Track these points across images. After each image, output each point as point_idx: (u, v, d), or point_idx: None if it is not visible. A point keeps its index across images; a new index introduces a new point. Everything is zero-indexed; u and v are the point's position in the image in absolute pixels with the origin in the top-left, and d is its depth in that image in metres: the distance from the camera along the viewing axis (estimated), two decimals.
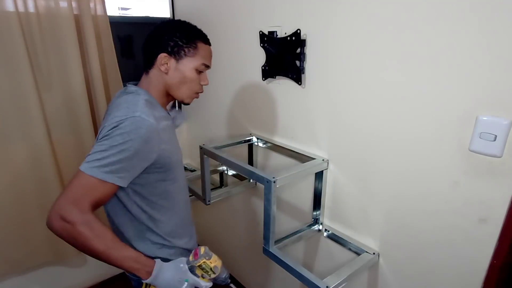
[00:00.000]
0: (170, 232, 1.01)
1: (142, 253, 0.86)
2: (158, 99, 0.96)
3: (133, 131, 0.79)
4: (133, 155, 0.80)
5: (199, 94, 1.01)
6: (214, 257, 0.91)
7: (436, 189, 0.93)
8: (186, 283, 0.86)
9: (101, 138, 0.80)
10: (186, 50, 0.94)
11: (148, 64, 0.96)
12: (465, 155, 0.85)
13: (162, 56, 0.92)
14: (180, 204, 1.05)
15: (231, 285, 0.95)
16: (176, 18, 1.87)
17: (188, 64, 0.94)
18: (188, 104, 1.02)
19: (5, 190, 1.49)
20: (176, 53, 0.93)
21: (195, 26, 0.99)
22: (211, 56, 1.01)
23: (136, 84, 0.99)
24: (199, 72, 0.97)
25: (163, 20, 1.01)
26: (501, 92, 0.77)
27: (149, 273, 0.83)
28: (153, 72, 0.95)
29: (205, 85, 1.01)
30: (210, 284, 0.92)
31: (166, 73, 0.94)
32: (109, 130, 0.80)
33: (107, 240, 0.79)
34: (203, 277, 0.90)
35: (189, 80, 0.95)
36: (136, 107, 0.84)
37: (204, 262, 0.88)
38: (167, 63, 0.93)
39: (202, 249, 0.90)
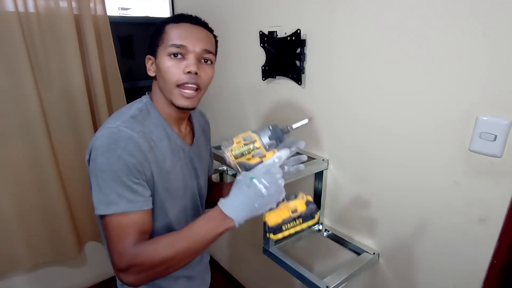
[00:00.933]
0: None
1: None
2: (164, 111, 0.82)
3: (111, 144, 0.70)
4: (129, 173, 0.71)
5: (189, 88, 0.77)
6: (237, 139, 0.72)
7: (436, 189, 0.93)
8: (254, 180, 0.67)
9: (89, 159, 0.73)
10: (157, 41, 0.79)
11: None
12: (465, 155, 0.85)
13: (146, 59, 0.82)
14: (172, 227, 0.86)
15: (294, 125, 0.74)
16: None
17: (161, 54, 0.78)
18: (183, 107, 0.79)
19: (5, 190, 1.49)
20: (152, 50, 0.80)
21: (177, 14, 0.86)
22: (188, 34, 0.79)
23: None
24: (177, 59, 0.77)
25: None
26: (501, 92, 0.77)
27: (228, 218, 0.67)
28: (153, 80, 0.84)
29: (189, 71, 0.76)
30: (281, 152, 0.71)
31: (155, 77, 0.82)
32: (92, 147, 0.72)
33: (175, 240, 0.69)
34: (253, 157, 0.70)
35: (164, 71, 0.76)
36: (120, 117, 0.76)
37: (231, 150, 0.69)
38: (151, 65, 0.81)
39: (222, 147, 0.72)
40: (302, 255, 1.45)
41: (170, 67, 0.76)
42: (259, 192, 0.66)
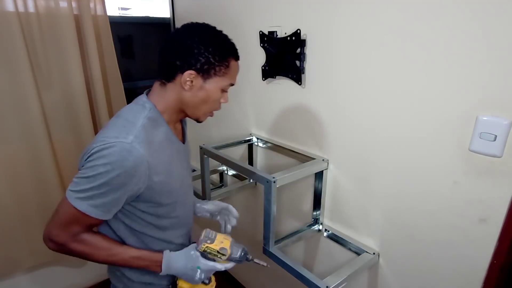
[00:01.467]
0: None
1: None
2: (168, 115, 0.86)
3: (118, 162, 0.72)
4: (116, 189, 0.75)
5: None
6: (219, 238, 0.86)
7: (436, 189, 0.93)
8: (199, 270, 0.86)
9: (86, 159, 0.75)
10: (217, 69, 0.81)
11: (167, 76, 0.83)
12: (465, 155, 0.85)
13: (189, 73, 0.79)
14: (177, 234, 0.96)
15: (255, 260, 0.92)
16: (176, 18, 1.87)
17: (216, 84, 0.83)
18: (201, 122, 0.91)
19: (5, 190, 1.49)
20: (205, 71, 0.81)
21: (226, 38, 0.87)
22: (238, 72, 0.90)
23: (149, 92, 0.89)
24: (224, 91, 0.87)
25: (188, 24, 0.85)
26: (501, 92, 0.77)
27: (160, 267, 0.85)
28: (172, 86, 0.83)
29: (225, 102, 0.89)
30: (230, 265, 0.89)
31: (188, 91, 0.82)
32: (96, 152, 0.73)
33: (104, 250, 0.82)
34: (215, 260, 0.86)
35: (211, 100, 0.85)
36: (132, 128, 0.77)
37: (206, 247, 0.84)
38: (192, 81, 0.81)
39: (202, 234, 0.86)
40: (302, 255, 1.45)
41: (219, 99, 0.86)
42: (193, 277, 0.87)
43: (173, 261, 0.86)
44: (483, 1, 0.75)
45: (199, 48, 0.79)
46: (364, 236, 1.17)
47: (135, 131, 0.76)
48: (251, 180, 1.62)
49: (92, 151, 0.74)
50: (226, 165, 1.51)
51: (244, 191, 1.70)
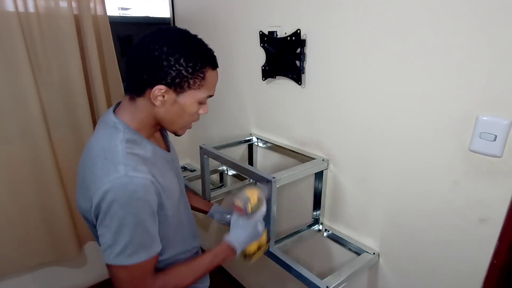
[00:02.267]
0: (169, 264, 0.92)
1: None
2: (145, 132, 0.80)
3: (129, 199, 0.67)
4: (146, 221, 0.71)
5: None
6: (247, 193, 0.94)
7: (436, 189, 0.93)
8: (259, 224, 0.95)
9: (103, 218, 0.69)
10: (191, 81, 0.74)
11: (136, 90, 0.75)
12: (465, 155, 0.85)
13: (158, 89, 0.72)
14: (176, 240, 0.92)
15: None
16: (176, 18, 1.87)
17: (191, 98, 0.76)
18: (180, 135, 0.85)
19: (5, 190, 1.49)
20: (177, 85, 0.73)
21: (200, 43, 0.77)
22: (217, 81, 0.82)
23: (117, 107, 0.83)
24: (201, 103, 0.80)
25: (156, 30, 0.74)
26: (501, 92, 0.77)
27: (233, 251, 0.90)
28: (142, 101, 0.75)
29: (204, 113, 0.83)
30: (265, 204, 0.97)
31: (160, 107, 0.75)
32: (102, 202, 0.68)
33: (186, 272, 0.83)
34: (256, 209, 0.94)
35: (188, 115, 0.78)
36: (116, 159, 0.70)
37: (251, 208, 0.92)
38: (163, 96, 0.73)
39: (235, 202, 0.93)
40: (302, 255, 1.45)
41: (196, 112, 0.80)
42: (259, 232, 0.95)
43: (238, 237, 0.91)
44: (483, 0, 0.75)
45: (169, 60, 0.70)
46: (364, 236, 1.17)
47: (120, 161, 0.69)
48: (251, 180, 1.62)
49: (98, 205, 0.68)
50: (226, 165, 1.51)
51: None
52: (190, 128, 0.85)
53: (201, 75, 0.75)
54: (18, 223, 1.55)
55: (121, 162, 0.69)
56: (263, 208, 0.96)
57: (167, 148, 0.91)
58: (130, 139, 0.75)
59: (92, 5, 1.53)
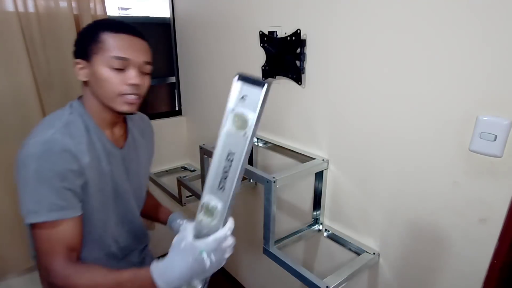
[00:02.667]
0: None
1: None
2: (98, 118, 0.84)
3: (44, 153, 0.71)
4: (57, 178, 0.72)
5: (134, 97, 0.81)
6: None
7: (436, 189, 0.93)
8: (204, 254, 0.62)
9: (18, 171, 0.74)
10: (92, 47, 0.78)
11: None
12: (465, 155, 0.85)
13: (75, 63, 0.81)
14: (95, 241, 0.88)
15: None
16: (176, 18, 1.87)
17: (98, 63, 0.78)
18: (125, 113, 0.82)
19: (5, 190, 1.49)
20: (84, 55, 0.80)
21: (108, 19, 0.87)
22: (129, 46, 0.79)
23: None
24: (118, 69, 0.78)
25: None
26: (501, 92, 0.77)
27: (154, 285, 0.65)
28: (83, 85, 0.84)
29: (132, 84, 0.79)
30: (230, 222, 0.64)
31: (88, 82, 0.81)
32: (19, 157, 0.73)
33: (95, 282, 0.72)
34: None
35: (105, 81, 0.78)
36: (53, 124, 0.77)
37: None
38: (83, 70, 0.80)
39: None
40: (302, 255, 1.45)
41: (112, 78, 0.78)
42: (204, 268, 0.63)
43: (168, 267, 0.64)
44: (484, 0, 0.75)
45: (77, 38, 0.82)
46: (364, 236, 1.17)
47: (56, 126, 0.76)
48: (251, 180, 1.62)
49: (16, 160, 0.73)
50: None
51: (244, 191, 1.70)
52: (128, 102, 0.81)
53: (98, 39, 0.78)
54: (18, 223, 1.55)
55: (55, 127, 0.76)
56: (222, 232, 0.62)
57: (122, 145, 0.92)
58: (77, 115, 0.82)
59: (92, 5, 1.53)
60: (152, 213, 1.12)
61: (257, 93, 0.55)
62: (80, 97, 0.87)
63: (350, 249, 1.21)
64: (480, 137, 0.81)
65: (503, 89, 0.76)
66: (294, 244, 1.27)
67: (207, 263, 0.63)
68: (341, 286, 1.01)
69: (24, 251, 1.60)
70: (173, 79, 2.01)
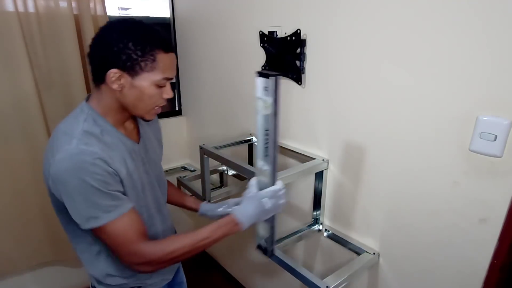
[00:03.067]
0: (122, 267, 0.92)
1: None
2: (111, 117, 0.83)
3: (79, 166, 0.72)
4: (102, 182, 0.74)
5: (160, 107, 0.87)
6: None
7: (436, 189, 0.93)
8: (265, 199, 0.87)
9: (54, 187, 0.75)
10: (142, 64, 0.76)
11: (96, 78, 0.80)
12: (465, 155, 0.85)
13: (112, 73, 0.76)
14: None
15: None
16: (176, 18, 1.87)
17: (146, 80, 0.78)
18: (149, 120, 0.87)
19: (5, 190, 1.49)
20: (130, 68, 0.76)
21: (152, 29, 0.79)
22: (174, 65, 0.83)
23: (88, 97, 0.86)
24: (161, 86, 0.81)
25: (110, 21, 0.80)
26: (501, 92, 0.77)
27: (237, 224, 0.86)
28: (105, 88, 0.80)
29: (168, 98, 0.85)
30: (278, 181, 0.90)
31: (120, 91, 0.79)
32: (53, 174, 0.73)
33: (187, 239, 0.82)
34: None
35: (148, 97, 0.80)
36: (73, 134, 0.75)
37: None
38: (120, 80, 0.77)
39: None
40: (302, 255, 1.45)
41: (156, 95, 0.81)
42: (265, 208, 0.87)
43: (244, 210, 0.87)
44: (484, 1, 0.75)
45: (118, 45, 0.75)
46: (364, 236, 1.17)
47: (77, 136, 0.75)
48: None
49: (51, 178, 0.74)
50: (226, 165, 1.51)
51: (244, 191, 1.69)
52: (158, 112, 0.87)
53: (151, 57, 0.77)
54: (18, 223, 1.55)
55: (75, 137, 0.75)
56: (277, 186, 0.89)
57: (138, 140, 0.92)
58: (93, 121, 0.80)
59: (92, 5, 1.53)
60: (178, 198, 1.16)
61: (271, 83, 0.76)
62: (88, 98, 0.85)
63: (350, 249, 1.21)
64: (480, 137, 0.81)
65: (503, 89, 0.76)
66: (294, 244, 1.27)
67: (267, 205, 0.87)
68: (341, 286, 1.01)
69: (25, 250, 1.60)
70: (173, 79, 2.01)
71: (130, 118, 0.90)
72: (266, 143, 0.86)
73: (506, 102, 0.76)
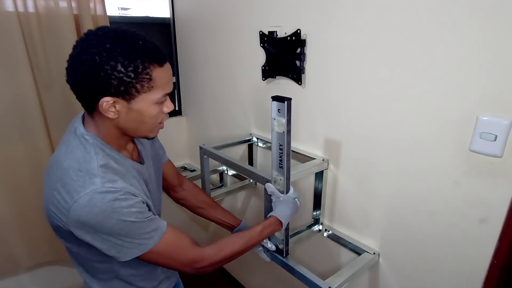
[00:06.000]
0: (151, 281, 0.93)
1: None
2: (113, 143, 0.77)
3: (112, 208, 0.67)
4: (139, 212, 0.72)
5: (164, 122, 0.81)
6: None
7: (436, 189, 0.93)
8: (296, 199, 1.03)
9: (93, 231, 0.69)
10: (138, 86, 0.68)
11: (88, 107, 0.72)
12: (465, 155, 0.85)
13: (105, 102, 0.67)
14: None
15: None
16: (176, 18, 1.87)
17: (145, 101, 0.70)
18: (152, 138, 0.82)
19: (5, 190, 1.49)
20: (124, 93, 0.67)
21: (137, 40, 0.68)
22: (171, 76, 0.75)
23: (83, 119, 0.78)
24: (159, 103, 0.74)
25: (87, 35, 0.68)
26: (501, 92, 0.77)
27: (280, 224, 0.99)
28: (99, 116, 0.72)
29: (170, 111, 0.78)
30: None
31: (117, 118, 0.71)
32: (82, 217, 0.67)
33: (237, 240, 0.90)
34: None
35: (149, 118, 0.73)
36: (92, 172, 0.69)
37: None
38: (114, 107, 0.69)
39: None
40: (302, 255, 1.45)
41: (158, 113, 0.74)
42: (297, 206, 1.04)
43: (283, 212, 1.00)
44: (483, 1, 0.75)
45: (105, 70, 0.64)
46: (364, 236, 1.17)
47: (96, 173, 0.68)
48: (251, 180, 1.62)
49: (73, 220, 0.67)
50: (226, 165, 1.51)
51: (244, 191, 1.70)
52: (162, 128, 0.81)
53: (147, 76, 0.68)
54: (18, 223, 1.55)
55: (97, 175, 0.68)
56: (292, 190, 1.05)
57: (140, 160, 0.88)
58: (102, 152, 0.73)
59: (92, 5, 1.52)
60: (211, 211, 1.17)
61: (285, 106, 0.89)
62: (83, 124, 0.76)
63: (350, 249, 1.21)
64: (480, 137, 0.81)
65: (503, 89, 0.76)
66: (294, 244, 1.27)
67: (297, 205, 1.03)
68: (344, 287, 1.01)
69: (25, 250, 1.60)
70: (173, 79, 2.01)
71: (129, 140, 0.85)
72: (280, 157, 0.97)
73: (506, 102, 0.76)
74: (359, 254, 1.15)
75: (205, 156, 1.38)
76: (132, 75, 0.66)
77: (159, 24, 1.91)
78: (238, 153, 1.63)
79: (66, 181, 0.68)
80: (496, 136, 0.78)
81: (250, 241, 0.92)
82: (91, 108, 0.71)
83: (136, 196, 0.73)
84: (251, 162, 1.56)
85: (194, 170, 2.00)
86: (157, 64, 0.69)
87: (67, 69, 0.69)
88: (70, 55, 0.68)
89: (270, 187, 1.04)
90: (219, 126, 1.76)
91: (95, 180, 0.67)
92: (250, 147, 1.54)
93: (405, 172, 1.00)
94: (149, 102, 0.71)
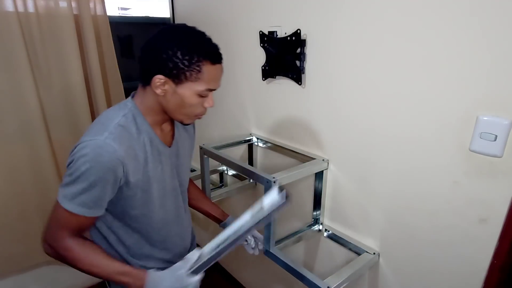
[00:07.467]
0: (139, 254, 0.95)
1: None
2: (150, 117, 0.86)
3: (94, 159, 0.74)
4: (99, 184, 0.76)
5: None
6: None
7: (436, 189, 0.93)
8: (189, 286, 0.84)
9: (69, 163, 0.77)
10: (187, 74, 0.78)
11: (143, 80, 0.83)
12: (465, 155, 0.85)
13: (157, 78, 0.78)
14: (153, 227, 0.93)
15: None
16: (176, 18, 1.87)
17: (189, 89, 0.80)
18: (188, 124, 0.90)
19: (5, 190, 1.49)
20: (175, 76, 0.78)
21: (202, 39, 0.81)
22: (219, 77, 0.85)
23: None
24: (203, 96, 0.83)
25: (165, 27, 0.82)
26: (501, 92, 0.77)
27: (143, 286, 0.83)
28: (150, 90, 0.82)
29: (209, 107, 0.87)
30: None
31: (163, 96, 0.81)
32: (75, 153, 0.76)
33: (89, 260, 0.83)
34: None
35: (189, 105, 0.82)
36: (107, 126, 0.78)
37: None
38: (164, 86, 0.79)
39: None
40: (302, 255, 1.45)
41: (197, 104, 0.83)
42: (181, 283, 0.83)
43: (159, 280, 0.83)
44: (483, 0, 0.75)
45: (167, 53, 0.76)
46: (364, 236, 1.17)
47: (110, 128, 0.78)
48: (251, 180, 1.62)
49: (72, 153, 0.77)
50: (226, 165, 1.51)
51: (244, 191, 1.69)
52: (199, 118, 0.89)
53: (197, 68, 0.78)
54: (18, 222, 1.55)
55: (108, 130, 0.77)
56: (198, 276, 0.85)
57: (171, 143, 0.94)
58: (132, 116, 0.83)
59: (92, 5, 1.53)
60: (201, 204, 1.18)
61: (280, 203, 0.80)
62: (134, 94, 0.88)
63: (350, 249, 1.21)
64: (480, 137, 0.81)
65: (503, 89, 0.76)
66: (294, 244, 1.27)
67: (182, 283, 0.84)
68: (342, 286, 1.01)
69: (25, 250, 1.60)
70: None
71: (169, 120, 0.92)
72: (237, 239, 0.88)
73: (506, 102, 0.76)
74: (359, 254, 1.15)
75: (205, 156, 1.38)
76: (186, 63, 0.77)
77: (159, 24, 1.91)
78: (238, 153, 1.63)
79: (89, 129, 0.81)
80: (496, 136, 0.78)
81: (98, 270, 0.84)
82: (145, 81, 0.82)
83: (123, 168, 0.78)
84: (251, 162, 1.56)
85: (194, 170, 2.00)
86: (210, 61, 0.79)
87: (144, 44, 0.81)
88: (152, 35, 0.81)
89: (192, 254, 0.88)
90: (219, 126, 1.76)
91: (104, 133, 0.76)
92: (250, 147, 1.54)
93: (405, 172, 1.00)
94: (192, 91, 0.80)
